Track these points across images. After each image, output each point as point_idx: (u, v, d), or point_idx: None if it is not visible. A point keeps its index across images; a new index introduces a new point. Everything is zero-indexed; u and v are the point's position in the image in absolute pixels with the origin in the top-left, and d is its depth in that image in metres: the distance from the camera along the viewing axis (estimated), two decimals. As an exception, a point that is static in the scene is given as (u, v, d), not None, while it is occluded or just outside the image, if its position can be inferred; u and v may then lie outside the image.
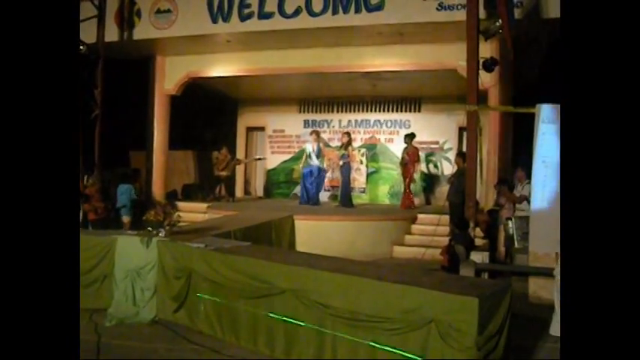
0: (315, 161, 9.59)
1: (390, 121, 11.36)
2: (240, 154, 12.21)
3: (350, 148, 9.66)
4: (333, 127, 11.70)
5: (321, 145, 9.83)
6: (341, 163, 9.63)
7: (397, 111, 11.35)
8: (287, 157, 11.78)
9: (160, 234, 4.68)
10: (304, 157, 9.78)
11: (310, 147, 9.68)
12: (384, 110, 11.47)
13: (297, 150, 11.61)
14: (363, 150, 11.35)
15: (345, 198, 9.58)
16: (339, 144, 10.15)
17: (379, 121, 11.42)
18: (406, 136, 9.96)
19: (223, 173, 10.51)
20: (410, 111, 11.26)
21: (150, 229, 4.71)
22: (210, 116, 12.24)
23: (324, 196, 11.27)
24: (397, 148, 10.76)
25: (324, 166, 9.87)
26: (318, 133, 9.93)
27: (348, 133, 9.81)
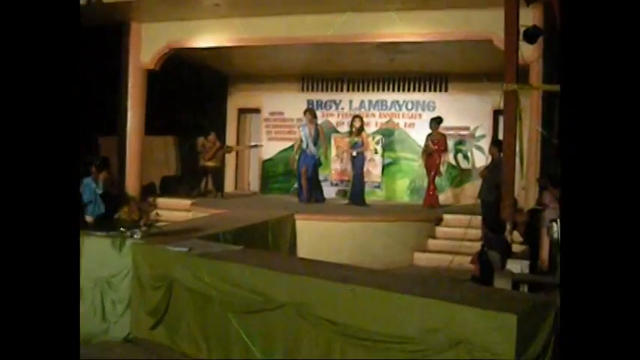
0: (311, 149, 9.52)
1: (411, 102, 11.34)
2: (230, 140, 12.24)
3: (363, 134, 9.67)
4: (342, 109, 11.71)
5: (320, 128, 9.73)
6: (354, 153, 9.63)
7: (419, 90, 11.33)
8: (287, 144, 11.79)
9: (135, 236, 4.69)
10: (297, 144, 9.79)
11: (305, 131, 9.59)
12: (403, 89, 11.45)
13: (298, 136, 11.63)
14: (378, 137, 11.36)
15: (356, 194, 9.59)
16: (348, 129, 10.15)
17: (398, 102, 11.40)
18: (431, 120, 9.95)
19: (210, 164, 10.54)
20: (435, 90, 11.24)
21: (123, 229, 4.72)
22: (196, 96, 12.24)
23: (330, 191, 11.29)
24: (419, 134, 10.76)
25: (319, 154, 9.68)
26: (313, 113, 9.83)
27: (359, 117, 9.82)
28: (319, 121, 10.78)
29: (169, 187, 11.15)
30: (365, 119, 10.48)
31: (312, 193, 9.59)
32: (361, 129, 9.61)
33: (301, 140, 9.54)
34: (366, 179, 10.66)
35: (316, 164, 9.66)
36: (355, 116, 9.88)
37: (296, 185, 10.32)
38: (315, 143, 9.52)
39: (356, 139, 9.58)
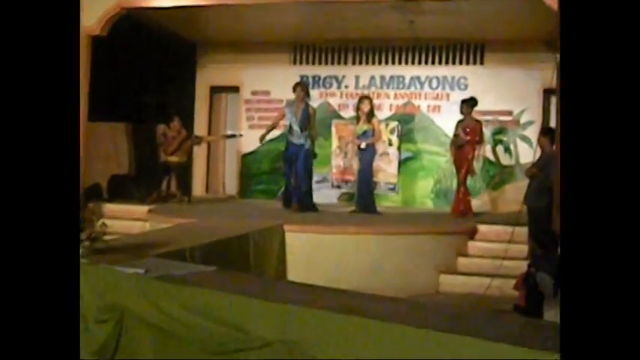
0: (298, 137, 9.46)
1: (436, 78, 11.41)
2: (200, 128, 12.29)
3: (374, 120, 9.66)
4: (347, 87, 11.77)
5: (311, 109, 9.64)
6: (362, 145, 9.66)
7: (447, 63, 11.41)
8: (274, 133, 11.81)
9: (76, 253, 4.70)
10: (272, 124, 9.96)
11: (290, 112, 9.58)
12: (426, 62, 11.51)
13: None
14: (394, 124, 11.42)
15: (364, 198, 9.63)
16: (354, 114, 10.17)
17: (419, 78, 11.46)
18: (462, 102, 9.98)
19: (174, 159, 10.60)
20: (467, 63, 11.30)
21: (59, 245, 4.73)
22: (155, 70, 12.26)
23: (331, 195, 11.31)
24: (447, 121, 10.81)
25: (308, 143, 9.52)
26: (305, 89, 9.77)
27: (368, 98, 9.84)
28: (316, 103, 10.81)
29: (120, 190, 11.18)
30: (376, 101, 10.53)
31: (304, 197, 9.46)
32: (371, 114, 9.64)
33: (290, 127, 9.59)
34: (377, 179, 10.70)
35: (307, 157, 9.50)
36: (363, 97, 9.92)
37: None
38: (304, 128, 9.45)
39: (364, 126, 9.60)
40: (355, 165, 10.39)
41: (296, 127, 9.41)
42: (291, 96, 10.65)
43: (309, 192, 9.61)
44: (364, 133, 9.64)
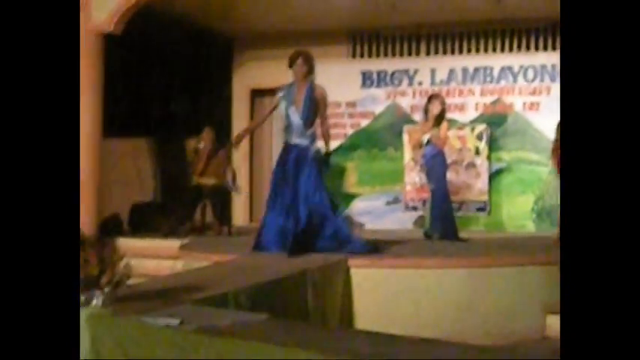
0: (300, 135, 8.03)
1: (533, 68, 11.32)
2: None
3: (444, 125, 9.50)
4: (420, 84, 11.77)
5: (318, 93, 8.13)
6: (424, 154, 9.52)
7: (546, 48, 11.28)
8: (333, 145, 11.80)
9: (94, 301, 4.75)
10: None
11: (287, 99, 8.13)
12: (519, 47, 11.39)
13: (351, 132, 11.73)
14: (481, 127, 11.36)
15: (441, 221, 9.51)
16: (423, 116, 10.07)
17: (511, 69, 11.40)
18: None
19: (207, 180, 10.65)
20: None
21: (74, 291, 4.79)
22: (183, 72, 12.42)
23: (404, 219, 11.25)
24: (548, 121, 10.61)
25: (313, 145, 8.08)
26: (309, 61, 8.16)
27: (439, 97, 9.66)
28: (382, 106, 10.78)
29: (144, 221, 11.32)
30: (457, 100, 10.46)
31: (304, 232, 7.83)
32: (442, 116, 9.50)
33: (287, 121, 8.10)
34: (462, 197, 10.59)
35: (315, 165, 8.07)
36: (432, 96, 9.77)
37: (348, 209, 10.24)
38: (309, 122, 8.08)
39: (433, 131, 9.49)
40: (423, 180, 10.29)
41: (297, 121, 7.98)
42: (353, 97, 10.69)
43: (326, 224, 8.01)
44: (429, 142, 9.52)
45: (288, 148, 8.08)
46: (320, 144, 8.16)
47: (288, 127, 8.09)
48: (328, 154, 8.27)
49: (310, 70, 8.12)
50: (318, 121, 8.20)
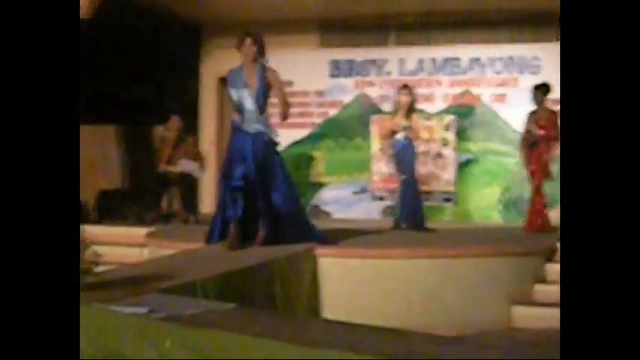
0: (253, 120, 7.61)
1: (501, 59, 11.39)
2: (207, 129, 12.34)
3: (414, 116, 9.58)
4: (389, 73, 11.79)
5: (270, 74, 7.73)
6: (398, 138, 9.59)
7: (513, 40, 11.32)
8: (301, 133, 11.95)
9: (62, 290, 4.74)
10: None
11: (238, 82, 7.67)
12: (487, 39, 11.42)
13: (319, 121, 11.79)
14: (449, 119, 11.41)
15: (409, 212, 9.57)
16: (392, 108, 10.12)
17: (478, 60, 11.47)
18: (535, 88, 9.88)
19: (174, 168, 10.60)
20: (539, 40, 11.21)
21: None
22: (151, 58, 12.35)
23: (371, 209, 11.29)
24: (515, 112, 10.70)
25: (266, 130, 7.72)
26: (260, 43, 7.73)
27: (408, 88, 9.71)
28: (350, 95, 10.80)
29: (111, 209, 11.28)
30: (425, 90, 10.49)
31: (251, 220, 7.66)
32: (412, 107, 9.55)
33: (238, 106, 7.64)
34: (429, 187, 10.64)
35: (272, 152, 7.86)
36: (402, 87, 9.82)
37: (314, 200, 10.21)
38: (263, 106, 7.71)
39: (404, 122, 9.54)
40: (391, 170, 10.36)
41: (250, 106, 7.54)
42: (321, 86, 10.68)
43: (297, 214, 8.04)
44: (405, 129, 9.58)
45: (239, 135, 7.65)
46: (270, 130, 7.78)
47: (239, 111, 7.61)
48: (275, 143, 7.88)
49: (261, 52, 7.69)
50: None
